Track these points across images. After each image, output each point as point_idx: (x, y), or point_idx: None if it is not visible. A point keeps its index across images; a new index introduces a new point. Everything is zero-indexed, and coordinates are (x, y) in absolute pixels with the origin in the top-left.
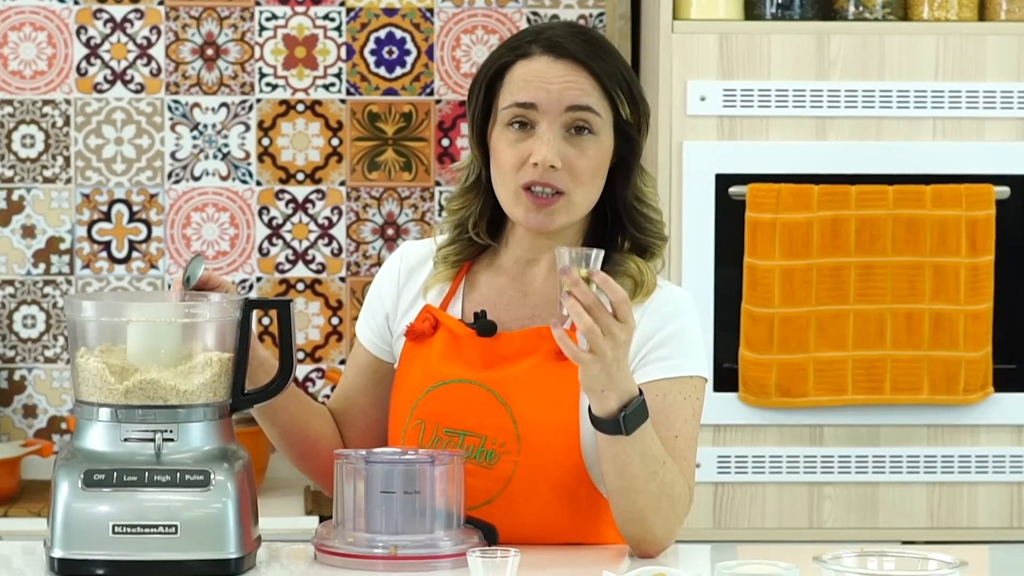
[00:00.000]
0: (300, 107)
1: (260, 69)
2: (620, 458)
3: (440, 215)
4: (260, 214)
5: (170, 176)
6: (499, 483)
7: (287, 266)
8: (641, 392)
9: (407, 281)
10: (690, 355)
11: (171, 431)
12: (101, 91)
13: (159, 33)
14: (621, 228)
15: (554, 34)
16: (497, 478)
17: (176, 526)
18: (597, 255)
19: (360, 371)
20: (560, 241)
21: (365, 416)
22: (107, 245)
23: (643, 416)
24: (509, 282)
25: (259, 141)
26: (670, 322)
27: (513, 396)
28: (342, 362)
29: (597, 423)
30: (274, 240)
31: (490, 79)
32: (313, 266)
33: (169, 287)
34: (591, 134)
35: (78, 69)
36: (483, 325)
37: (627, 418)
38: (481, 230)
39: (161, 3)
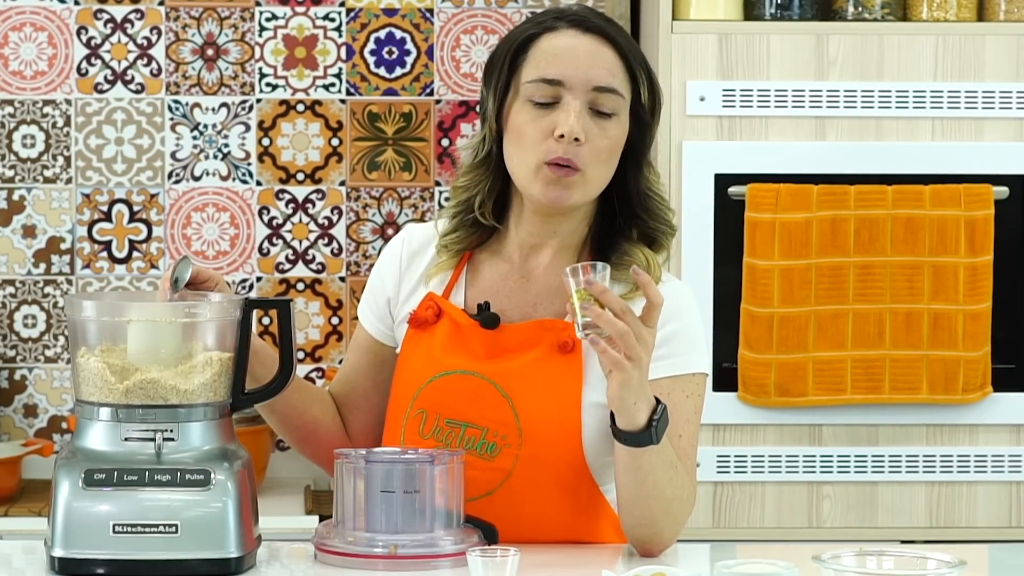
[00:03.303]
0: (300, 107)
1: (260, 69)
2: (643, 468)
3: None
4: (260, 214)
5: (170, 176)
6: (499, 475)
7: (287, 266)
8: (659, 400)
9: (409, 266)
10: (692, 352)
11: (171, 430)
12: (101, 91)
13: (159, 33)
14: (629, 218)
15: (580, 11)
16: (497, 470)
17: (176, 525)
18: (604, 267)
19: (362, 354)
20: (567, 224)
21: (366, 399)
22: (107, 245)
23: (667, 423)
24: (512, 269)
25: (259, 141)
26: (673, 319)
27: (515, 389)
28: (341, 362)
29: (624, 437)
30: (274, 240)
31: (514, 51)
32: (313, 266)
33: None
34: (612, 116)
35: (78, 69)
36: (487, 318)
37: (657, 427)
38: (487, 210)
39: (161, 3)
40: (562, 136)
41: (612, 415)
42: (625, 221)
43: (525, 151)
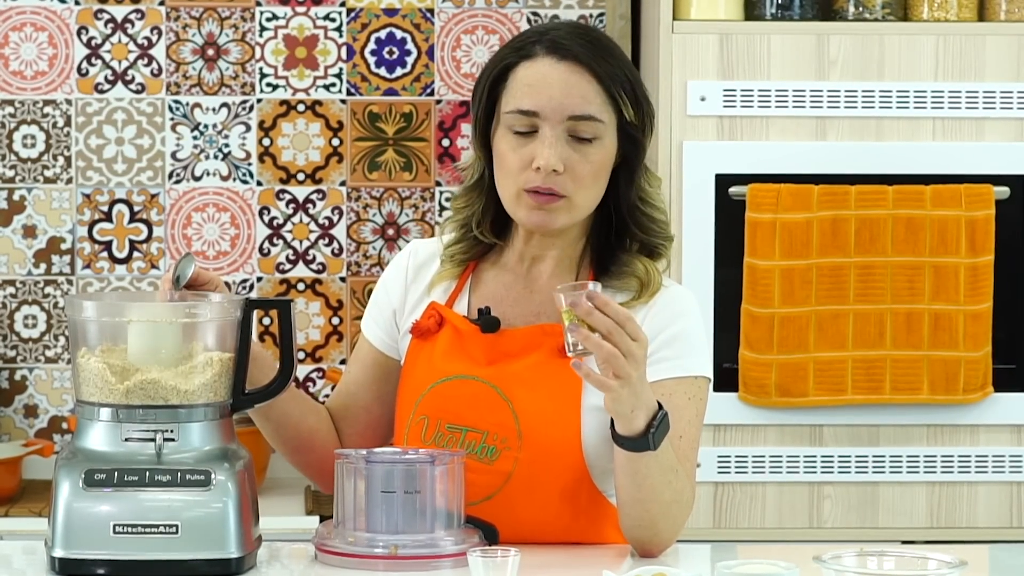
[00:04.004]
0: (300, 107)
1: (261, 69)
2: (641, 472)
3: (441, 215)
4: (260, 214)
5: (171, 176)
6: (500, 479)
7: (287, 266)
8: (661, 405)
9: (415, 279)
10: (695, 355)
11: (172, 431)
12: (102, 91)
13: (160, 33)
14: (626, 228)
15: (557, 35)
16: (498, 474)
17: (177, 526)
18: (594, 286)
19: (365, 367)
20: (563, 240)
21: (367, 412)
22: (108, 245)
23: (667, 429)
24: (515, 279)
25: (259, 141)
26: (675, 322)
27: (515, 392)
28: (342, 362)
29: (622, 441)
30: (274, 240)
31: (493, 80)
32: (313, 266)
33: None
34: (594, 139)
35: (79, 69)
36: (487, 321)
37: (655, 434)
38: (485, 229)
39: (162, 3)
40: (539, 168)
41: (612, 419)
42: (621, 234)
43: (506, 179)
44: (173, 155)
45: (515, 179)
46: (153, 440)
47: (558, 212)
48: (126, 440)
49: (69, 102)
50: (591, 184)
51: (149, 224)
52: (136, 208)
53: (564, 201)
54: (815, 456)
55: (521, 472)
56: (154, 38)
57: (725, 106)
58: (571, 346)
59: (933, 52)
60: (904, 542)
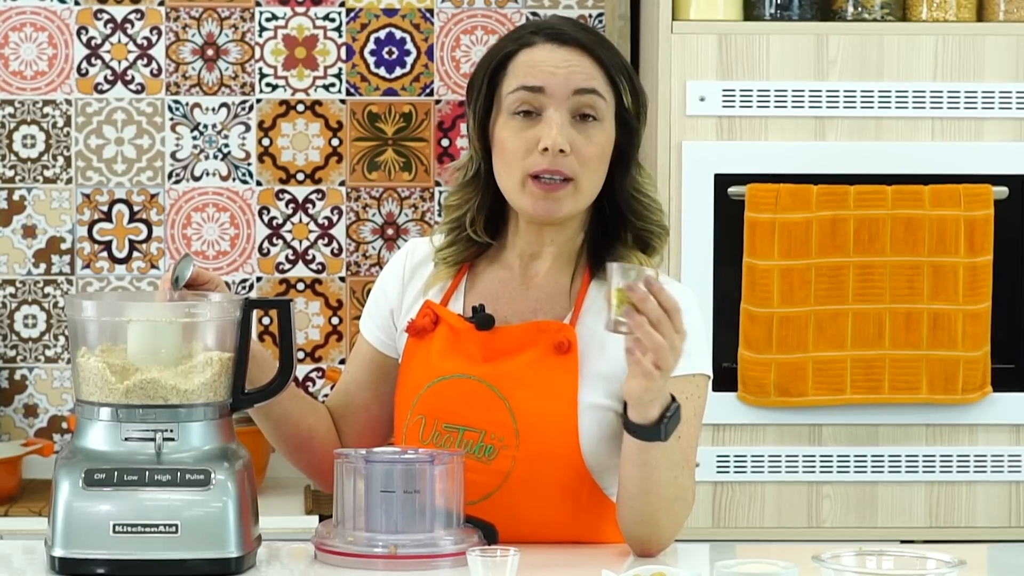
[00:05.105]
0: (300, 107)
1: (260, 69)
2: (649, 463)
3: (440, 215)
4: (260, 214)
5: (170, 176)
6: (498, 478)
7: (287, 266)
8: (674, 397)
9: (412, 277)
10: (692, 353)
11: (171, 430)
12: (102, 91)
13: (159, 33)
14: (622, 221)
15: (556, 24)
16: (496, 473)
17: (176, 525)
18: (649, 272)
19: (363, 366)
20: (562, 233)
21: (367, 411)
22: (108, 245)
23: (679, 421)
24: (512, 275)
25: (259, 141)
26: None
27: (512, 391)
28: (342, 362)
29: (634, 430)
30: (274, 240)
31: (493, 68)
32: (313, 266)
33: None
34: (596, 121)
35: (79, 69)
36: (481, 319)
37: (667, 424)
38: (479, 227)
39: (161, 4)
40: (546, 149)
41: (625, 405)
42: (616, 225)
43: (510, 165)
44: (173, 155)
45: (519, 165)
46: (153, 440)
47: (564, 199)
48: (126, 440)
49: (69, 102)
50: (596, 167)
51: (149, 224)
52: (136, 208)
53: (570, 187)
54: (814, 456)
55: (519, 471)
56: (154, 38)
57: (724, 106)
58: (612, 323)
59: (932, 52)
60: (903, 542)
